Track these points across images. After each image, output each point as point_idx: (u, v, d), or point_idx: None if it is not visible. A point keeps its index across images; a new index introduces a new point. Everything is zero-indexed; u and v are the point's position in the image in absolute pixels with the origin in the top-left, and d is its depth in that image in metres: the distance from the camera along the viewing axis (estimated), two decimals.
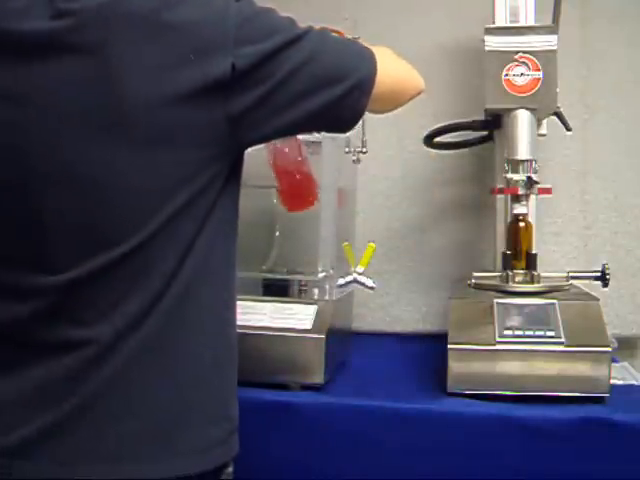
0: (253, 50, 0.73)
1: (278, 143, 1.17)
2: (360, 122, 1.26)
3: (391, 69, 0.84)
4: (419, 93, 0.91)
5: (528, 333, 1.04)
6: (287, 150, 1.18)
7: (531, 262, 1.18)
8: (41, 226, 0.72)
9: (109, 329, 0.72)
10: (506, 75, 1.16)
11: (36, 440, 0.71)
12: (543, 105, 1.18)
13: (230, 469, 0.83)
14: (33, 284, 0.73)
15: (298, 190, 1.20)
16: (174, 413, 0.75)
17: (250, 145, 0.80)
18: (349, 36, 1.22)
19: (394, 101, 0.89)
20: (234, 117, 0.74)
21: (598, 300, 1.10)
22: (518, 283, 1.15)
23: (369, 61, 0.81)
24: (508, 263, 1.18)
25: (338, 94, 0.77)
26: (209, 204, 0.76)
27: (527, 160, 1.17)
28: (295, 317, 1.11)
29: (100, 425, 0.72)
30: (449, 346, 1.04)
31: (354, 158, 1.32)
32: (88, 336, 0.72)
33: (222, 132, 0.74)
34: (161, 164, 0.72)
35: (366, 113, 1.18)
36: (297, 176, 1.20)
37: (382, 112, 0.91)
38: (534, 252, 1.19)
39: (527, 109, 1.17)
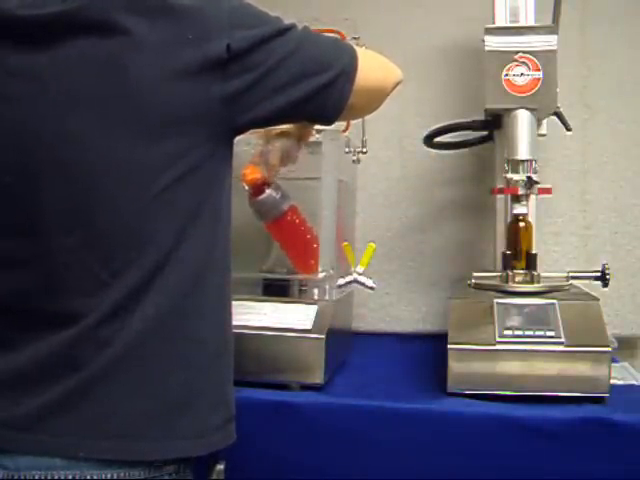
0: (246, 34, 0.78)
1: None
2: (360, 122, 1.28)
3: (370, 59, 0.90)
4: (399, 83, 0.96)
5: (528, 333, 1.04)
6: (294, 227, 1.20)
7: (531, 262, 1.17)
8: (37, 195, 0.74)
9: (109, 299, 0.74)
10: (506, 75, 1.16)
11: (41, 414, 0.73)
12: (543, 105, 1.18)
13: (221, 467, 0.83)
14: (29, 252, 0.75)
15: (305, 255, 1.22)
16: (177, 397, 0.77)
17: (241, 130, 0.83)
18: (349, 37, 1.23)
19: (378, 91, 0.93)
20: (228, 98, 0.77)
21: (598, 300, 1.09)
22: (518, 283, 1.15)
23: (350, 52, 0.86)
24: (508, 263, 1.18)
25: (324, 82, 0.82)
26: (201, 184, 0.79)
27: (527, 160, 1.16)
28: (295, 317, 1.11)
29: (104, 403, 0.74)
30: (449, 346, 1.04)
31: (354, 158, 1.32)
32: (88, 306, 0.74)
33: (216, 112, 0.77)
34: (158, 139, 0.74)
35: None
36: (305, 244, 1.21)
37: (369, 108, 0.95)
38: (534, 252, 1.18)
39: (527, 109, 1.17)
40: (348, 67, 0.84)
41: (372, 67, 0.89)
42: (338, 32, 1.21)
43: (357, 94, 0.85)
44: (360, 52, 0.87)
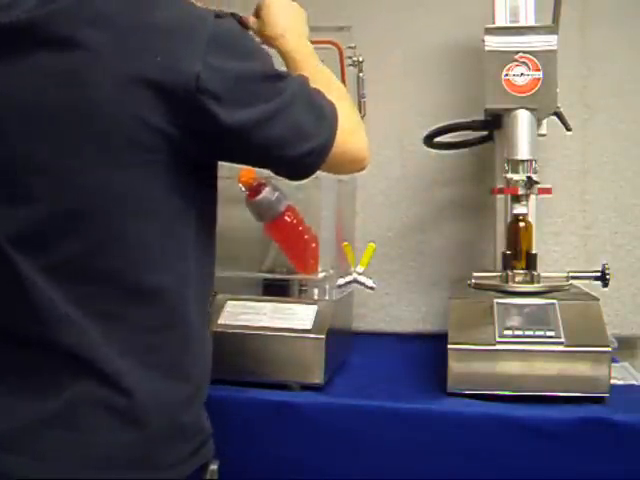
0: (223, 66, 0.72)
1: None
2: (362, 92, 1.27)
3: (348, 139, 0.84)
4: (363, 169, 0.92)
5: (528, 333, 1.04)
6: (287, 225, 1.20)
7: (531, 262, 1.17)
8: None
9: (78, 331, 0.72)
10: (506, 75, 1.16)
11: (19, 434, 0.71)
12: (543, 105, 1.18)
13: (214, 467, 0.82)
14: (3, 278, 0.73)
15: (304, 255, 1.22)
16: (160, 430, 0.75)
17: (204, 164, 0.81)
18: (345, 45, 1.21)
19: (341, 169, 0.91)
20: (193, 132, 0.73)
21: (598, 300, 1.10)
22: (518, 283, 1.15)
23: (331, 128, 0.81)
24: (508, 263, 1.18)
25: (298, 154, 0.79)
26: (163, 218, 0.75)
27: (527, 160, 1.16)
28: (295, 317, 1.11)
29: (84, 431, 0.72)
30: (449, 346, 1.04)
31: None
32: (60, 333, 0.72)
33: (178, 142, 0.73)
34: (121, 164, 0.72)
35: (367, 112, 1.18)
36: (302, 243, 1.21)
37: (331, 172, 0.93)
38: (534, 252, 1.18)
39: (527, 109, 1.17)
40: (324, 145, 0.80)
41: (346, 151, 0.84)
42: (333, 43, 1.19)
43: (324, 166, 0.83)
44: (342, 124, 0.82)
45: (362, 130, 0.89)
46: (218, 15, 0.76)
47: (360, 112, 1.28)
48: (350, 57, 1.23)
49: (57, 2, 0.71)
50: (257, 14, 0.96)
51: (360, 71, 1.25)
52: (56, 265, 0.72)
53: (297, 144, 0.78)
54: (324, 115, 0.81)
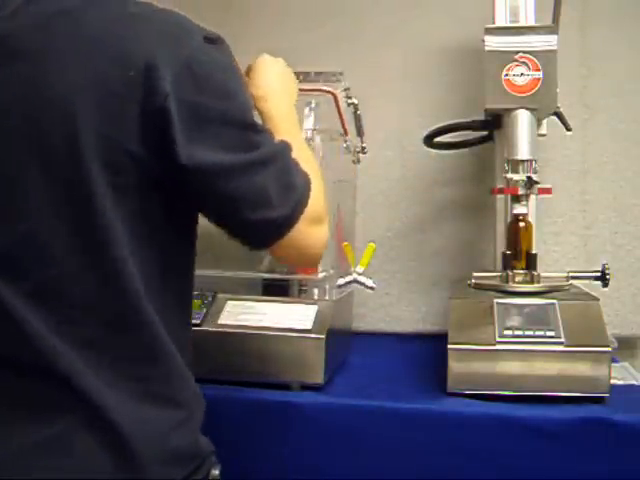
0: (193, 100, 0.69)
1: None
2: (359, 123, 1.28)
3: (308, 232, 0.79)
4: (314, 265, 0.89)
5: (528, 333, 1.04)
6: None
7: (531, 262, 1.18)
8: None
9: (63, 358, 0.70)
10: (506, 75, 1.17)
11: (11, 463, 0.70)
12: (543, 105, 1.18)
13: (216, 472, 0.82)
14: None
15: None
16: (152, 452, 0.73)
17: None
18: (340, 89, 1.20)
19: (287, 257, 0.85)
20: (159, 164, 0.70)
21: (598, 300, 1.10)
22: (518, 283, 1.15)
23: (300, 206, 0.77)
24: (508, 263, 1.18)
25: (261, 218, 0.74)
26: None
27: (527, 160, 1.17)
28: (295, 317, 1.11)
29: (78, 454, 0.70)
30: (449, 346, 1.04)
31: (354, 158, 1.32)
32: (45, 358, 0.70)
33: (144, 162, 0.70)
34: (91, 185, 0.69)
35: (366, 115, 1.17)
36: None
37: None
38: (534, 252, 1.18)
39: (527, 109, 1.17)
40: (287, 218, 0.75)
41: (305, 238, 0.78)
42: (328, 91, 1.16)
43: (279, 248, 0.78)
44: (309, 208, 0.77)
45: (326, 223, 0.83)
46: (209, 38, 0.73)
47: (359, 134, 1.29)
48: (345, 98, 1.22)
49: (38, 4, 0.70)
50: (247, 72, 0.93)
51: (356, 110, 1.24)
52: (33, 291, 0.70)
53: (261, 208, 0.74)
54: (295, 189, 0.76)
